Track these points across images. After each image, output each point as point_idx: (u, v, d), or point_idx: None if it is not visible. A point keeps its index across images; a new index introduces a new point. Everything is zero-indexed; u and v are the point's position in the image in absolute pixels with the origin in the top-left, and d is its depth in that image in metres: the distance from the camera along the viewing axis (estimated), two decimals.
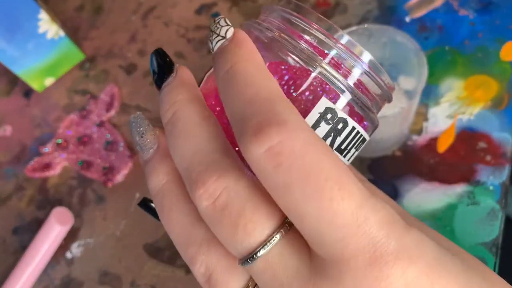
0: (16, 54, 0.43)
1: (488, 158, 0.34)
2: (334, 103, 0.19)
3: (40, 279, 0.38)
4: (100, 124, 0.44)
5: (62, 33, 0.45)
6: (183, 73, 0.21)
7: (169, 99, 0.20)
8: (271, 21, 0.21)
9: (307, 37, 0.20)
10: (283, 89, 0.19)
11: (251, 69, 0.18)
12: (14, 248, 0.40)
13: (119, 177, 0.41)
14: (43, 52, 0.45)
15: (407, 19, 0.41)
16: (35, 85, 0.47)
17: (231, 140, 0.19)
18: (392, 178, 0.35)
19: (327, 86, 0.19)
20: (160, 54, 0.21)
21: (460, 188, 0.33)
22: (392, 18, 0.41)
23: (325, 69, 0.19)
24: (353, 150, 0.21)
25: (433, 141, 0.35)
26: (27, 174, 0.43)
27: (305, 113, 0.19)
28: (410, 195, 0.34)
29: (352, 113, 0.20)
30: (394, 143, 0.35)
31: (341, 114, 0.19)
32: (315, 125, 0.19)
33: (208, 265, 0.19)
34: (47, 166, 0.43)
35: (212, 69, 0.21)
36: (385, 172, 0.35)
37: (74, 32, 0.50)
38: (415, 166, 0.35)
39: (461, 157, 0.34)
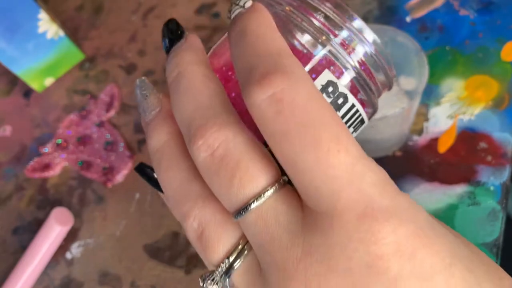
0: (16, 54, 0.43)
1: (489, 158, 0.34)
2: (337, 78, 0.20)
3: (40, 280, 0.38)
4: (100, 124, 0.43)
5: (62, 33, 0.45)
6: (192, 39, 0.21)
7: (176, 60, 0.20)
8: None
9: (317, 15, 0.20)
10: None
11: (263, 28, 0.18)
12: (14, 248, 0.40)
13: (119, 177, 0.41)
14: (43, 52, 0.45)
15: (408, 19, 0.41)
16: (35, 85, 0.47)
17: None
18: (392, 179, 0.34)
19: (332, 63, 0.20)
20: (173, 23, 0.21)
21: (460, 189, 0.33)
22: (393, 18, 0.41)
23: (332, 46, 0.20)
24: (350, 129, 0.21)
25: (434, 142, 0.35)
26: (27, 174, 0.43)
27: None
28: (411, 195, 0.34)
29: (353, 93, 0.20)
30: (395, 143, 0.35)
31: (343, 89, 0.20)
32: None
33: (202, 220, 0.19)
34: (47, 166, 0.43)
35: (216, 45, 0.22)
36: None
37: (74, 32, 0.50)
38: (416, 166, 0.35)
39: (462, 157, 0.34)
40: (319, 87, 0.19)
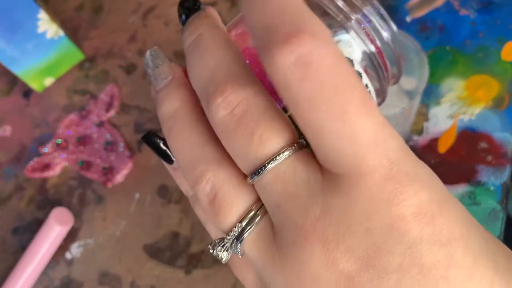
0: (15, 54, 0.43)
1: (489, 158, 0.33)
2: (353, 56, 0.20)
3: (40, 280, 0.38)
4: (100, 124, 0.43)
5: (61, 33, 0.45)
6: (210, 10, 0.21)
7: (194, 25, 0.20)
8: None
9: None
10: None
11: None
12: (14, 248, 0.40)
13: (119, 177, 0.41)
14: (43, 52, 0.45)
15: (408, 19, 0.41)
16: (34, 85, 0.47)
17: None
18: None
19: (349, 43, 0.20)
20: (189, 1, 0.21)
21: (461, 189, 0.33)
22: (393, 18, 0.41)
23: (351, 26, 0.20)
24: None
25: (434, 142, 0.35)
26: (27, 174, 0.43)
27: None
28: None
29: (374, 72, 0.20)
30: None
31: (358, 67, 0.20)
32: None
33: (215, 183, 0.19)
34: (47, 166, 0.43)
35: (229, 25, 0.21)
36: None
37: (73, 32, 0.50)
38: None
39: (462, 157, 0.34)
40: None
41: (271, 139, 0.17)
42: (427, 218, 0.16)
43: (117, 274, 0.37)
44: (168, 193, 0.39)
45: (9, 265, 0.39)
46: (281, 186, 0.17)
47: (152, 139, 0.22)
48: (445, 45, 0.39)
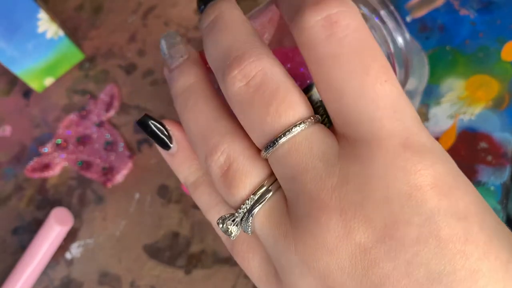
0: (15, 54, 0.43)
1: (489, 158, 0.33)
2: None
3: (40, 280, 0.38)
4: (100, 124, 0.43)
5: (61, 33, 0.45)
6: None
7: (212, 8, 0.20)
8: None
9: None
10: None
11: None
12: (14, 248, 0.40)
13: (119, 178, 0.40)
14: (43, 52, 0.45)
15: (408, 19, 0.41)
16: (34, 85, 0.46)
17: None
18: None
19: None
20: None
21: None
22: None
23: (372, 26, 0.20)
24: None
25: None
26: (26, 174, 0.43)
27: None
28: None
29: None
30: None
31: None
32: None
33: (230, 154, 0.19)
34: (47, 167, 0.42)
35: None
36: None
37: (73, 32, 0.50)
38: None
39: (462, 157, 0.34)
40: None
41: (287, 111, 0.17)
42: (444, 190, 0.15)
43: (117, 274, 0.37)
44: (168, 193, 0.39)
45: (9, 265, 0.39)
46: (296, 158, 0.17)
47: (147, 122, 0.22)
48: (445, 45, 0.39)
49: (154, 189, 0.40)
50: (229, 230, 0.19)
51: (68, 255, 0.39)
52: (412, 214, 0.15)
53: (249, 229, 0.19)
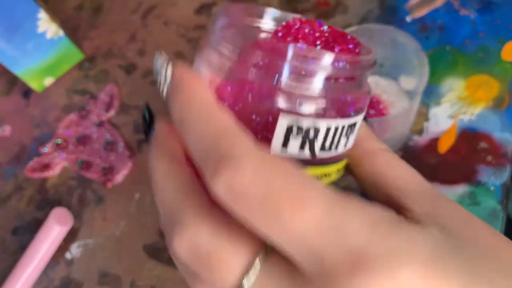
0: (15, 54, 0.43)
1: (489, 158, 0.33)
2: (299, 113, 0.18)
3: (40, 280, 0.38)
4: (100, 124, 0.43)
5: (61, 33, 0.45)
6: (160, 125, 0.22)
7: (149, 154, 0.21)
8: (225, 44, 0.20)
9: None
10: (246, 111, 0.19)
11: (195, 109, 0.18)
12: (14, 248, 0.40)
13: (119, 178, 0.40)
14: (43, 52, 0.45)
15: (408, 19, 0.41)
16: (34, 85, 0.46)
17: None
18: None
19: (289, 97, 0.19)
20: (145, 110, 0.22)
21: (461, 189, 0.33)
22: (393, 18, 0.41)
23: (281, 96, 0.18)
24: (343, 139, 0.20)
25: (434, 142, 0.35)
26: (26, 174, 0.43)
27: (271, 133, 0.19)
28: None
29: (331, 107, 0.19)
30: (395, 143, 0.35)
31: (307, 123, 0.18)
32: (285, 143, 0.19)
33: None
34: (47, 166, 0.42)
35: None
36: None
37: (73, 32, 0.50)
38: (416, 166, 0.34)
39: (462, 157, 0.34)
40: (283, 134, 0.18)
41: (229, 262, 0.17)
42: None
43: (117, 274, 0.37)
44: None
45: (9, 265, 0.39)
46: None
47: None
48: (445, 45, 0.39)
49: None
50: None
51: (68, 255, 0.39)
52: None
53: None
